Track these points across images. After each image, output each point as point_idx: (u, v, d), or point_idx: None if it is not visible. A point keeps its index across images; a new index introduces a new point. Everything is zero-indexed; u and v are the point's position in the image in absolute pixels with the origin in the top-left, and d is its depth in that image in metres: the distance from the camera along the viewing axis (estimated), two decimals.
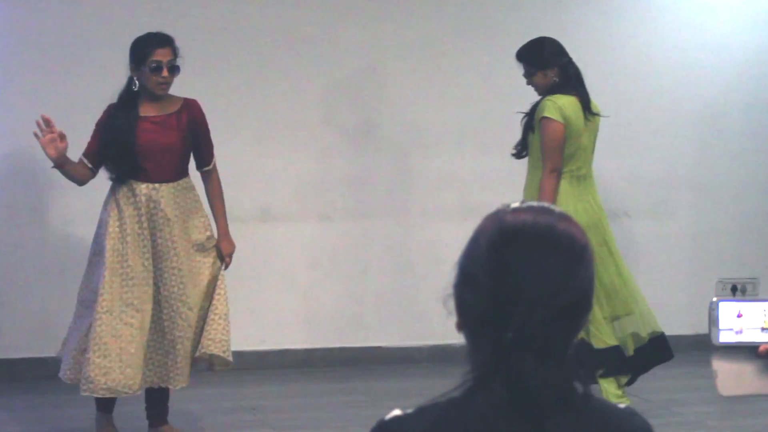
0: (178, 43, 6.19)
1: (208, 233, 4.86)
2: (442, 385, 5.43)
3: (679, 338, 6.71)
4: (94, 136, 4.78)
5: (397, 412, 1.55)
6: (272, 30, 6.44)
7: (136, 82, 4.71)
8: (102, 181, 5.96)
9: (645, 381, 5.43)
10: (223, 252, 4.88)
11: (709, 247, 7.10)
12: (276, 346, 6.41)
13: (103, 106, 6.12)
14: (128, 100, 4.73)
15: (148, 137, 4.71)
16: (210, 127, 6.34)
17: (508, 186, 6.80)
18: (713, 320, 1.72)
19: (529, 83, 5.26)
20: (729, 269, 7.11)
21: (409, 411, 1.54)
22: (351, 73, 6.57)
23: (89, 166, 4.75)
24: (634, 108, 7.00)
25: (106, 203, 4.81)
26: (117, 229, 4.66)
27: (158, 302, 4.67)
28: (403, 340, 6.70)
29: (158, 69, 4.66)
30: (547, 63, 5.19)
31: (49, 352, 6.11)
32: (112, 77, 6.18)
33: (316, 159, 6.54)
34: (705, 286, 7.13)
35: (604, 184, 6.89)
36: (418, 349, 6.70)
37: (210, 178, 4.98)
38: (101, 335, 4.53)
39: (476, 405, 1.48)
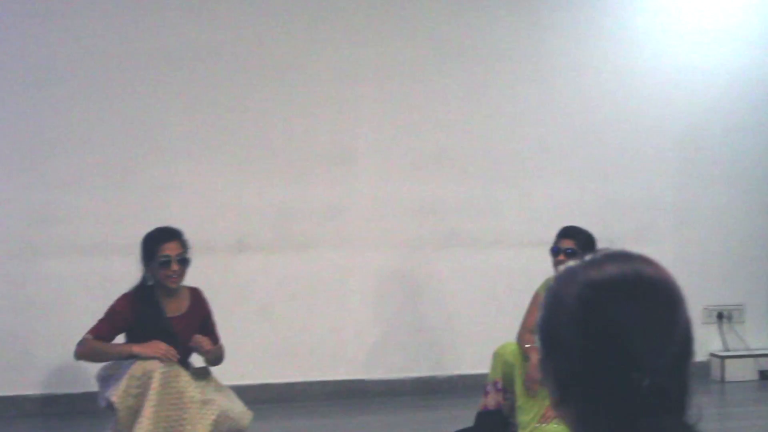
0: (149, 69, 6.14)
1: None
2: (429, 418, 5.27)
3: None
4: (107, 322, 4.75)
5: None
6: (248, 56, 6.33)
7: (150, 278, 4.78)
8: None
9: None
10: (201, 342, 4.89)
11: (693, 273, 6.99)
12: (255, 380, 6.23)
13: (72, 128, 6.03)
14: (150, 298, 4.76)
15: (184, 337, 4.83)
16: (185, 155, 6.26)
17: (491, 214, 6.71)
18: None
19: (562, 261, 5.06)
20: (715, 296, 7.02)
21: None
22: (328, 99, 6.45)
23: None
24: (614, 132, 6.93)
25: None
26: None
27: None
28: (385, 372, 6.53)
29: (167, 263, 4.74)
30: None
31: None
32: (82, 99, 6.08)
33: (294, 187, 6.40)
34: (690, 313, 7.04)
35: (585, 210, 6.81)
36: (402, 382, 6.53)
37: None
38: None
39: None
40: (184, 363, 4.80)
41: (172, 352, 4.59)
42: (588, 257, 1.43)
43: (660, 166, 7.04)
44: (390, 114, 6.55)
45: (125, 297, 4.78)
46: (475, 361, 6.35)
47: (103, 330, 4.71)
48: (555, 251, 5.15)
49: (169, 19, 6.19)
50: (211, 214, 6.22)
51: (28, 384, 6.00)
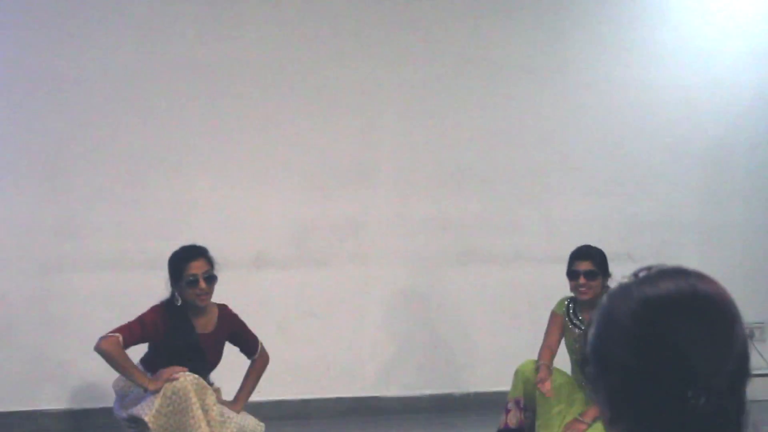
0: (170, 83, 6.15)
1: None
2: None
3: None
4: (138, 326, 4.75)
5: None
6: (269, 71, 6.33)
7: (178, 297, 4.78)
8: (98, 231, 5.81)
9: None
10: (228, 405, 4.89)
11: None
12: (271, 396, 6.20)
13: (92, 143, 6.05)
14: (181, 316, 4.78)
15: (211, 354, 4.90)
16: (204, 169, 6.26)
17: (511, 230, 6.67)
18: None
19: (584, 284, 5.00)
20: None
21: None
22: (347, 114, 6.45)
23: (122, 345, 4.73)
24: (637, 148, 6.87)
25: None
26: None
27: None
28: (401, 390, 6.50)
29: (195, 282, 4.75)
30: (609, 273, 5.07)
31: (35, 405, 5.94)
32: (102, 113, 6.11)
33: (313, 202, 6.39)
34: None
35: (607, 226, 6.76)
36: (418, 399, 6.49)
37: (256, 360, 5.10)
38: None
39: None
40: (206, 380, 4.80)
41: (177, 368, 4.60)
42: (642, 273, 1.39)
43: (683, 182, 6.98)
44: (410, 129, 6.53)
45: (157, 309, 4.79)
46: (493, 379, 6.31)
47: (134, 333, 4.71)
48: (574, 274, 5.03)
49: (191, 34, 6.21)
50: (230, 230, 6.21)
51: (47, 399, 6.01)
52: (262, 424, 4.88)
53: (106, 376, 5.76)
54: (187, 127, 6.23)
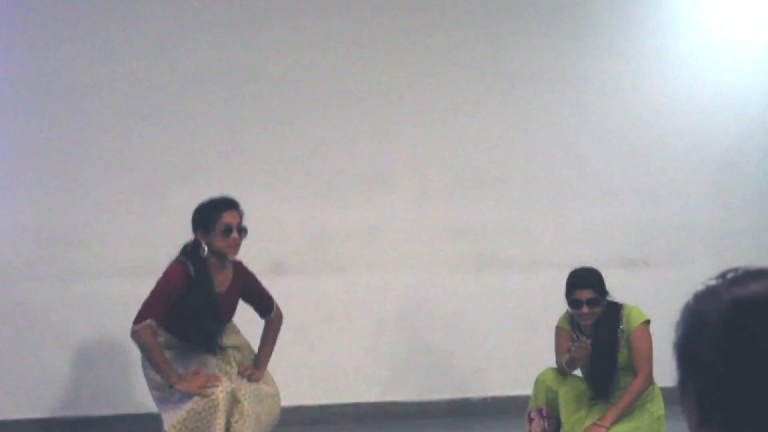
0: (186, 90, 6.20)
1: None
2: None
3: None
4: (160, 299, 4.62)
5: None
6: (286, 77, 6.37)
7: (205, 247, 4.66)
8: (100, 232, 5.85)
9: None
10: (250, 375, 4.83)
11: None
12: (289, 402, 6.23)
13: (108, 149, 6.08)
14: (203, 271, 4.66)
15: (225, 311, 4.82)
16: (221, 176, 6.29)
17: (528, 236, 6.70)
18: None
19: (588, 313, 4.92)
20: None
21: None
22: (364, 121, 6.49)
23: (155, 328, 4.63)
24: (652, 154, 6.91)
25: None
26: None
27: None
28: (419, 394, 6.53)
29: (229, 231, 4.67)
30: (606, 292, 5.03)
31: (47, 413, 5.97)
32: (115, 123, 6.15)
33: (331, 208, 6.43)
34: None
35: (622, 231, 6.79)
36: (436, 404, 6.52)
37: (271, 321, 5.00)
38: None
39: None
40: (219, 339, 4.74)
41: (211, 380, 4.55)
42: (729, 275, 1.39)
43: (697, 187, 7.00)
44: (428, 136, 6.57)
45: (178, 267, 4.65)
46: (510, 383, 6.34)
47: (163, 302, 4.58)
48: (576, 303, 4.95)
49: (207, 41, 6.25)
50: (248, 236, 6.24)
51: (62, 405, 6.03)
52: (277, 393, 4.80)
53: (123, 382, 5.80)
54: (203, 134, 6.27)
